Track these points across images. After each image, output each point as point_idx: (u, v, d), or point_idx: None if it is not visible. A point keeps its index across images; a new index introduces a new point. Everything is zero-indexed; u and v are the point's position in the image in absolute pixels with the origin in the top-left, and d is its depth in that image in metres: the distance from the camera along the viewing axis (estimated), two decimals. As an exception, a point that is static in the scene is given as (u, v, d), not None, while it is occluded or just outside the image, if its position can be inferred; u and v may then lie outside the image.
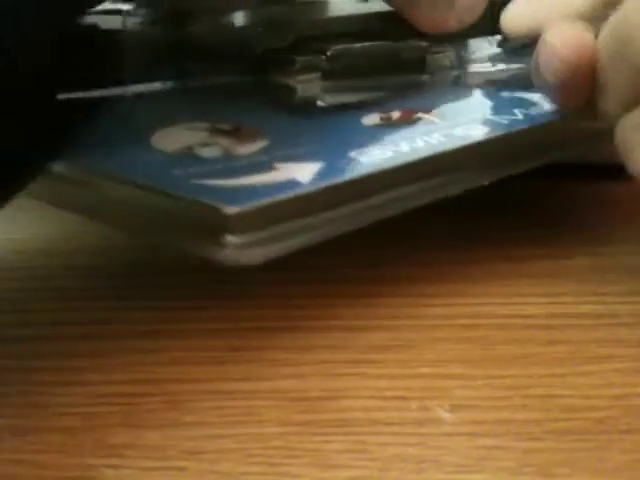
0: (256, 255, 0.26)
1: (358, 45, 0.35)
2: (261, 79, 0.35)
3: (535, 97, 0.34)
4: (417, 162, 0.29)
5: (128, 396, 0.27)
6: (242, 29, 0.34)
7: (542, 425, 0.26)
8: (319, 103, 0.34)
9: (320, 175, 0.28)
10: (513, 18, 0.35)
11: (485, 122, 0.32)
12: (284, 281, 0.32)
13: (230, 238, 0.26)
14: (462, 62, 0.37)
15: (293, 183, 0.27)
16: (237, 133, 0.31)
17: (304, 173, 0.28)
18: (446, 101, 0.35)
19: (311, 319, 0.31)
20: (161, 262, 0.34)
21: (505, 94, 0.35)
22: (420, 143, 0.30)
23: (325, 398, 0.27)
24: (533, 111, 0.33)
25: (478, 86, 0.37)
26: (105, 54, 0.33)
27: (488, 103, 0.35)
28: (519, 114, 0.33)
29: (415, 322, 0.30)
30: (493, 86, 0.36)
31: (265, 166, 0.28)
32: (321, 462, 0.25)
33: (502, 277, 0.33)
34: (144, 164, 0.29)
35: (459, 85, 0.37)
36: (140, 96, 0.34)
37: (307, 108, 0.34)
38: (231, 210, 0.26)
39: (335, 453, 0.25)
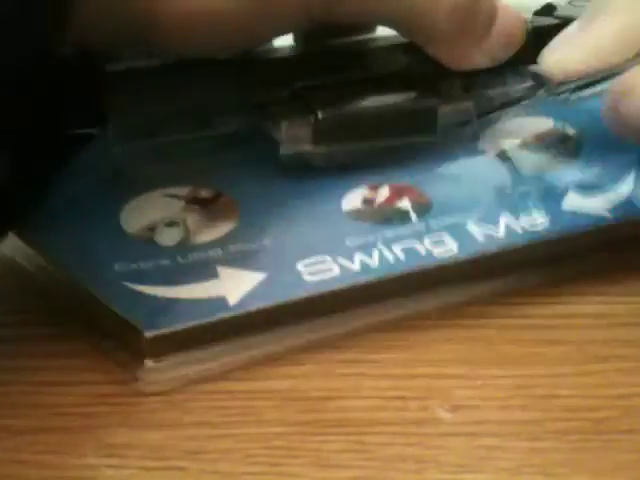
0: (166, 379, 0.27)
1: (353, 107, 0.32)
2: (257, 130, 0.32)
3: (563, 180, 0.32)
4: (367, 285, 0.28)
5: (128, 396, 0.27)
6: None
7: (542, 425, 0.26)
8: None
9: (252, 294, 0.28)
10: (561, 62, 0.33)
11: (485, 222, 0.30)
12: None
13: (148, 362, 0.27)
14: (481, 112, 0.33)
15: (220, 303, 0.27)
16: (214, 203, 0.30)
17: (238, 289, 0.28)
18: (446, 179, 0.32)
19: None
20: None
21: (526, 181, 0.32)
22: (389, 256, 0.29)
23: (325, 398, 0.27)
24: (560, 210, 0.31)
25: (495, 150, 0.33)
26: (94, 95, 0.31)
27: (500, 191, 0.32)
28: (538, 217, 0.31)
29: (415, 322, 0.30)
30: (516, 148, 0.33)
31: (207, 271, 0.28)
32: (321, 462, 0.25)
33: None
34: (92, 248, 0.29)
35: (473, 148, 0.33)
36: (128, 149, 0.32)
37: (292, 167, 0.32)
38: (149, 334, 0.26)
39: (335, 453, 0.25)
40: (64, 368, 0.28)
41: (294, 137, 0.31)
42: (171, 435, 0.26)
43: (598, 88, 0.32)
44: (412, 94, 0.33)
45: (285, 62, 0.33)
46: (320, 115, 0.31)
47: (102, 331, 0.28)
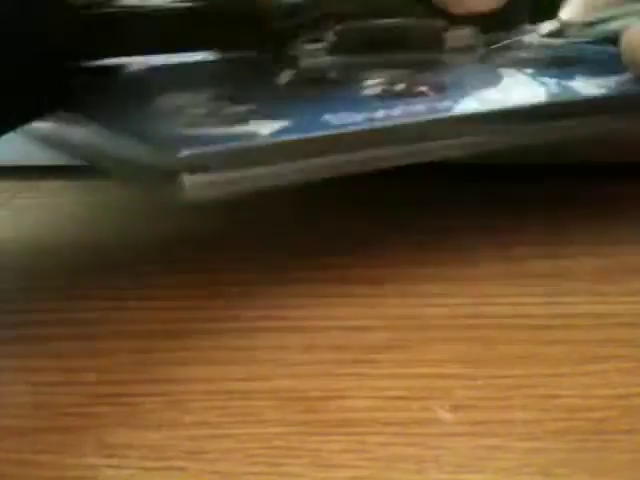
0: (208, 193, 0.29)
1: (366, 23, 0.35)
2: (275, 54, 0.36)
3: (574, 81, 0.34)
4: (381, 129, 0.30)
5: (128, 396, 0.27)
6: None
7: (542, 425, 0.26)
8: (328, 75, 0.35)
9: (280, 131, 0.30)
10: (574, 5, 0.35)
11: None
12: (284, 281, 0.32)
13: (185, 177, 0.29)
14: (488, 42, 0.36)
15: (251, 135, 0.30)
16: (238, 99, 0.33)
17: (267, 128, 0.30)
18: (463, 78, 0.34)
19: (311, 319, 0.31)
20: (161, 262, 0.34)
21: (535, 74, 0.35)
22: (397, 112, 0.31)
23: (325, 398, 0.27)
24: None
25: (506, 66, 0.36)
26: (124, 26, 0.34)
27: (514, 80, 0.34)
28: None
29: (415, 322, 0.30)
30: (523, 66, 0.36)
31: (240, 121, 0.31)
32: (321, 462, 0.25)
33: (502, 277, 0.33)
34: (132, 118, 0.32)
35: (484, 64, 0.36)
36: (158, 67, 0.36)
37: (311, 81, 0.34)
38: (183, 153, 0.29)
39: (335, 453, 0.25)
40: (64, 368, 0.28)
41: (312, 51, 0.35)
42: (171, 435, 0.26)
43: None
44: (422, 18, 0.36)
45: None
46: (337, 28, 0.35)
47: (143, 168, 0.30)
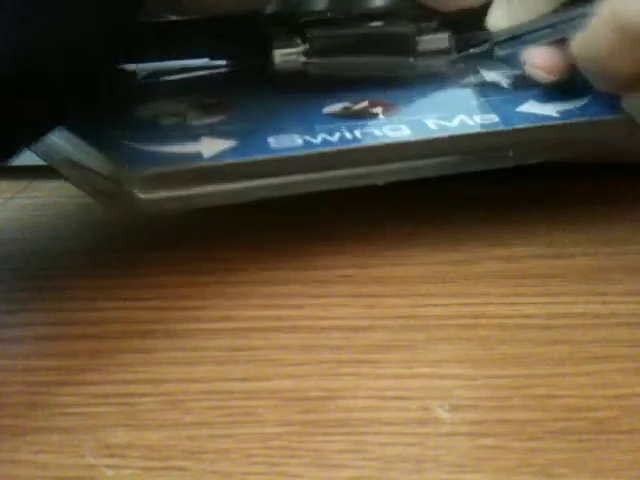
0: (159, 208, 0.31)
1: (340, 29, 0.36)
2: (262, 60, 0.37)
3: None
4: (315, 154, 0.32)
5: (128, 396, 0.27)
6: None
7: (542, 425, 0.26)
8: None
9: (223, 153, 0.32)
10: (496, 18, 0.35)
11: (442, 119, 0.34)
12: (284, 281, 0.33)
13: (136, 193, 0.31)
14: (461, 47, 0.37)
15: (196, 156, 0.32)
16: (215, 107, 0.35)
17: (213, 148, 0.32)
18: (420, 95, 0.35)
19: (311, 319, 0.31)
20: (161, 262, 0.34)
21: (490, 93, 0.36)
22: (335, 138, 0.33)
23: (325, 398, 0.27)
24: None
25: (474, 73, 0.37)
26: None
27: (464, 99, 0.35)
28: (493, 115, 0.34)
29: (415, 322, 0.30)
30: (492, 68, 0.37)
31: (193, 137, 0.33)
32: (321, 462, 0.25)
33: (502, 277, 0.33)
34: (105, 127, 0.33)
35: (450, 75, 0.37)
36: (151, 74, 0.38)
37: (288, 81, 0.36)
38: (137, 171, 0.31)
39: (335, 453, 0.25)
40: (64, 368, 0.28)
41: (289, 55, 0.36)
42: (171, 435, 0.26)
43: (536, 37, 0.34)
44: (395, 22, 0.37)
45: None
46: (312, 34, 0.36)
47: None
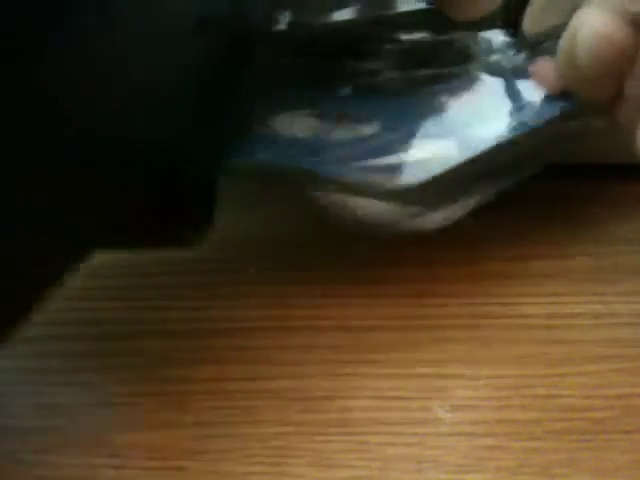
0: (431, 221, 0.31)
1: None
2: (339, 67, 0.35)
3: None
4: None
5: (128, 396, 0.27)
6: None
7: (542, 425, 0.26)
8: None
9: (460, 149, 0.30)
10: (534, 16, 0.35)
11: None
12: (284, 281, 0.33)
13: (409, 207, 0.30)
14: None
15: (446, 158, 0.30)
16: (344, 119, 0.33)
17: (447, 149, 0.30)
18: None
19: (311, 319, 0.31)
20: (161, 262, 0.34)
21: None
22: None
23: (325, 398, 0.27)
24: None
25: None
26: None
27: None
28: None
29: (415, 322, 0.30)
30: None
31: (406, 145, 0.31)
32: (321, 462, 0.25)
33: (502, 277, 0.33)
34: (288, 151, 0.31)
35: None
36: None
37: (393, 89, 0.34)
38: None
39: (335, 453, 0.25)
40: (64, 368, 0.28)
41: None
42: (171, 435, 0.26)
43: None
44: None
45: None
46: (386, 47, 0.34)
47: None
